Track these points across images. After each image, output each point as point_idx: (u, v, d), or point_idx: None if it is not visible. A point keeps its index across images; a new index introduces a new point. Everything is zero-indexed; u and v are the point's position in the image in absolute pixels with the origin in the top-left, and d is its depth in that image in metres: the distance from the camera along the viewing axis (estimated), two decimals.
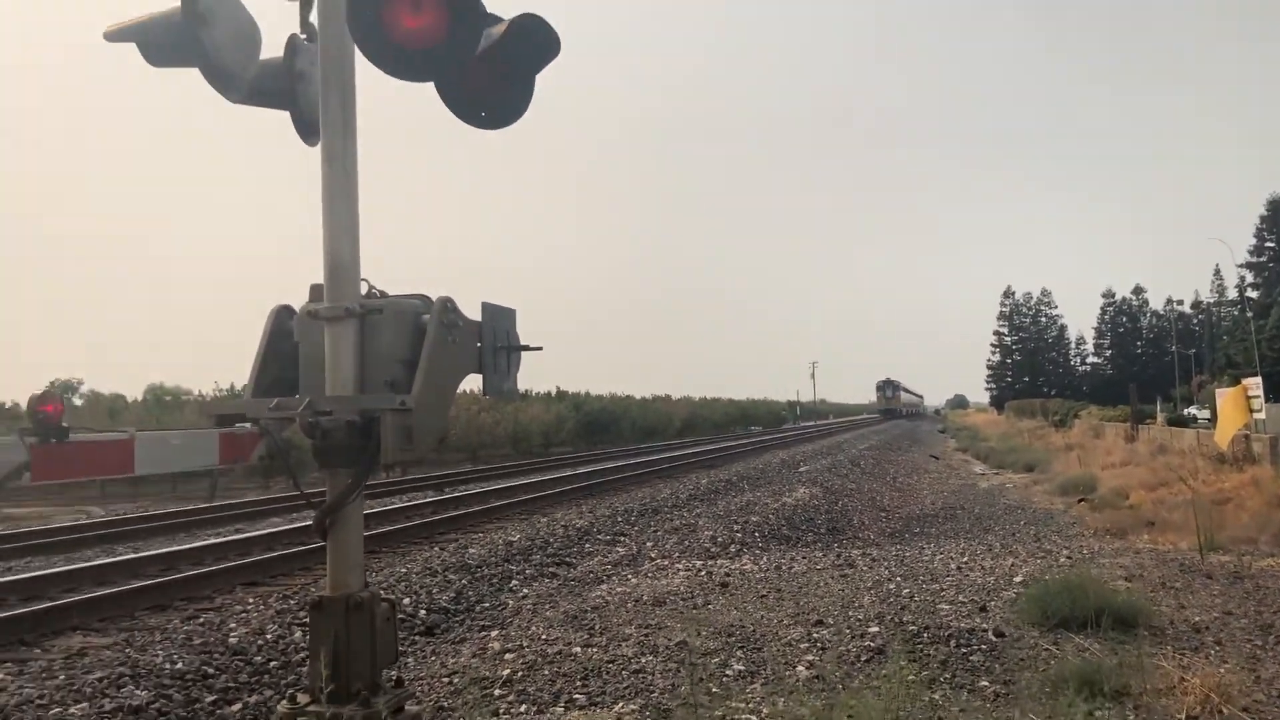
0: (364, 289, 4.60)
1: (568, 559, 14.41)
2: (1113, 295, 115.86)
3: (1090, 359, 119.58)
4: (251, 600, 11.23)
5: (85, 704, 7.29)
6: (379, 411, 4.38)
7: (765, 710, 6.24)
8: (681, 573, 12.36)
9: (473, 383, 4.81)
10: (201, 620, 10.18)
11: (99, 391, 50.12)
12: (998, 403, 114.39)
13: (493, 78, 4.89)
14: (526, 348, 4.98)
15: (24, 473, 3.64)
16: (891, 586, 10.52)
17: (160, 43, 4.69)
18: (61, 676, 7.96)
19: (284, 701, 4.35)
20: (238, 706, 7.52)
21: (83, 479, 3.74)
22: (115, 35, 4.66)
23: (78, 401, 51.27)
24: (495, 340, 4.80)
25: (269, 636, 9.31)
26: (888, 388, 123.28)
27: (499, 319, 4.89)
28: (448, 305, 4.59)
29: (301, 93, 5.04)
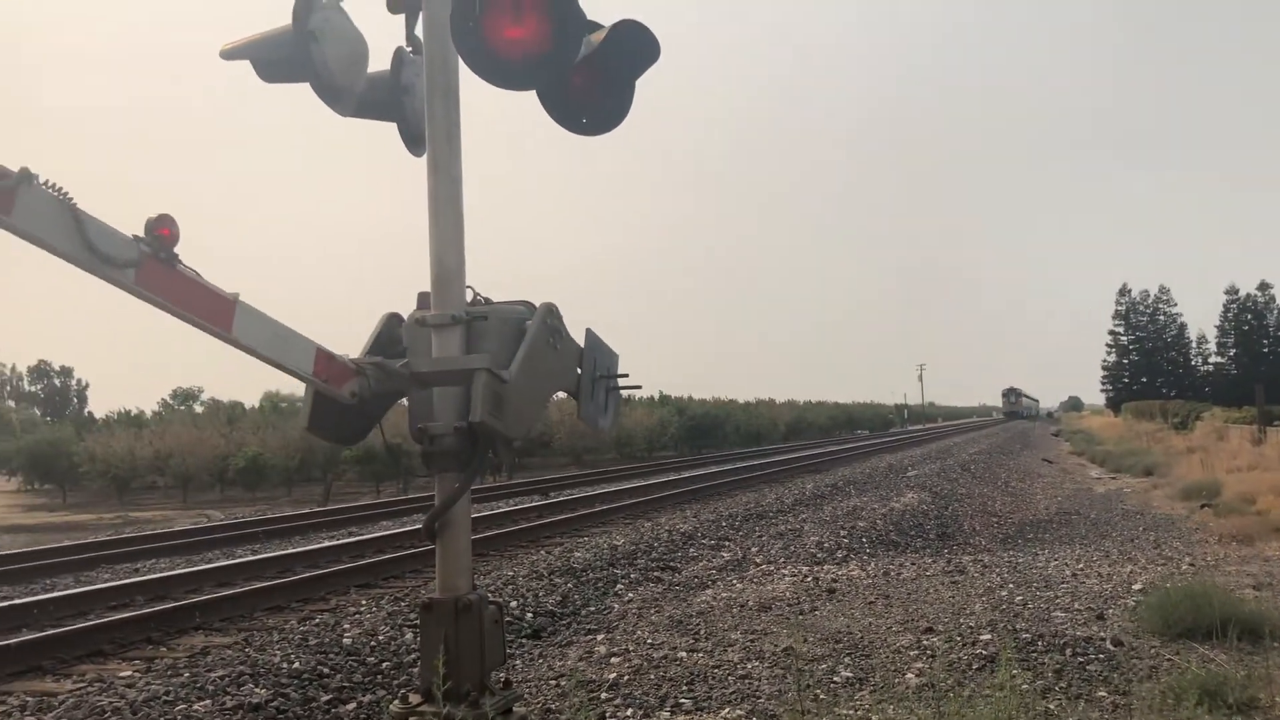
0: (469, 296, 4.67)
1: (672, 563, 14.40)
2: (1236, 292, 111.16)
3: (1213, 358, 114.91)
4: (364, 602, 11.49)
5: (208, 701, 7.54)
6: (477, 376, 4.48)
7: (874, 718, 6.14)
8: (787, 578, 12.26)
9: None
10: (317, 621, 10.45)
11: (218, 399, 52.00)
12: (1114, 404, 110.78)
13: (594, 84, 4.93)
14: (628, 387, 4.98)
15: (133, 269, 3.71)
16: (1004, 593, 10.26)
17: (273, 59, 4.83)
18: (186, 674, 8.25)
19: (396, 701, 4.44)
20: (351, 706, 7.70)
21: (177, 312, 3.82)
22: (231, 54, 4.82)
23: (198, 408, 53.19)
24: (595, 369, 4.82)
25: (381, 638, 9.51)
26: (1011, 394, 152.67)
27: (601, 352, 4.91)
28: (551, 310, 4.64)
29: (408, 104, 5.15)
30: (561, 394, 5.01)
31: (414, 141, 5.15)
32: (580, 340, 4.87)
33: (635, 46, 4.87)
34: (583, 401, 4.80)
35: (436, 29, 4.72)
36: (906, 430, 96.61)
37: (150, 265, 3.80)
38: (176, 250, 3.84)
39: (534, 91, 4.84)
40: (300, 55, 4.72)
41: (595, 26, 4.78)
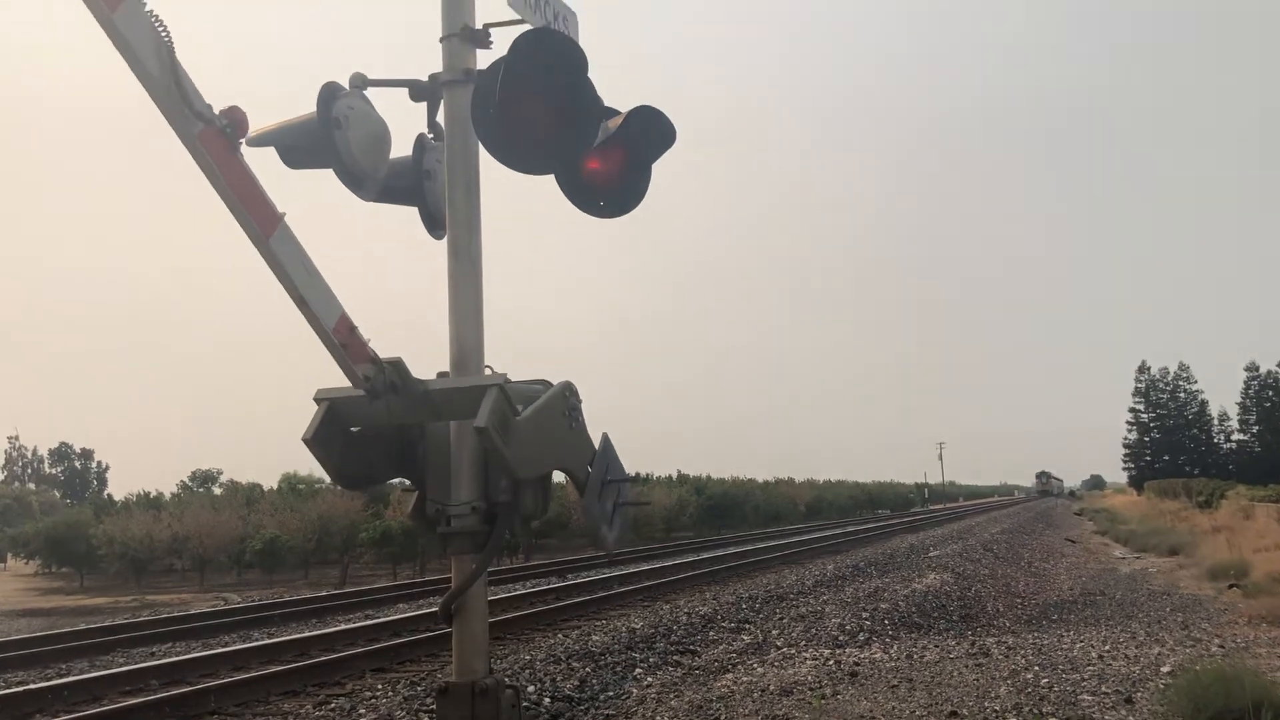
0: (487, 374, 4.71)
1: (692, 647, 14.19)
2: (1257, 369, 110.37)
3: (1235, 436, 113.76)
4: (381, 686, 11.35)
5: None
6: (499, 504, 4.47)
7: None
8: (809, 661, 12.06)
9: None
10: (333, 705, 10.32)
11: (237, 480, 52.02)
12: (1137, 483, 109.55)
13: (611, 168, 5.02)
14: (638, 503, 4.94)
15: (201, 125, 3.91)
16: (1029, 676, 10.06)
17: (297, 146, 4.94)
18: None
19: None
20: None
21: (226, 192, 4.01)
22: (256, 141, 4.94)
23: (217, 490, 53.21)
24: (606, 473, 4.78)
25: None
26: (1042, 476, 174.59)
27: (613, 461, 4.86)
28: (570, 388, 4.66)
29: (429, 189, 5.25)
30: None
31: (435, 224, 5.25)
32: (596, 440, 4.85)
33: (652, 132, 4.97)
34: (588, 499, 4.71)
35: (457, 116, 4.84)
36: (927, 509, 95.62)
37: (215, 134, 3.93)
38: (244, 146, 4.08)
39: (552, 175, 4.94)
40: (324, 142, 4.83)
41: (612, 113, 4.89)
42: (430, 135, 5.26)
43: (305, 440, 4.49)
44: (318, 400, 4.57)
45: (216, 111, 3.99)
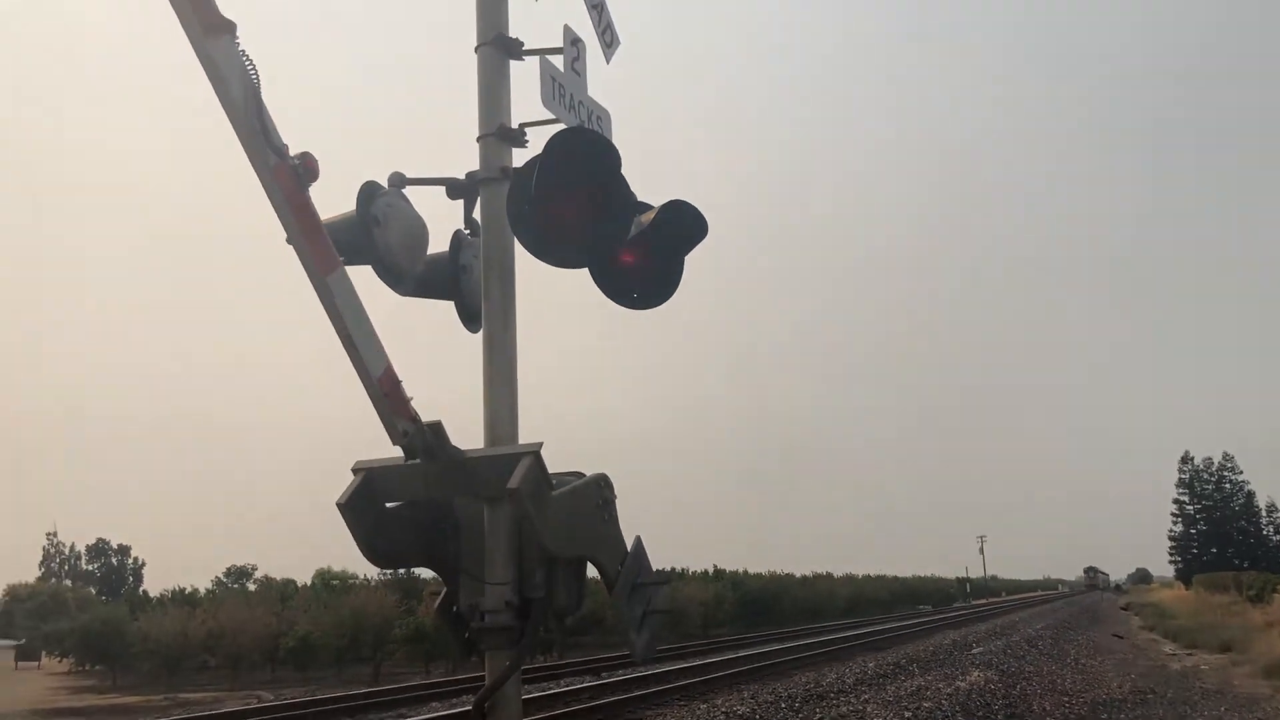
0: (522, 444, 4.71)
1: None
2: None
3: None
4: None
5: None
6: (533, 599, 4.42)
7: None
8: None
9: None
10: None
11: (271, 576, 51.95)
12: (1184, 576, 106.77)
13: (644, 261, 5.08)
14: (664, 611, 4.86)
15: (276, 160, 4.10)
16: None
17: (337, 243, 5.02)
18: None
19: None
20: None
21: (291, 224, 4.20)
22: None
23: (251, 586, 53.12)
24: (637, 575, 4.69)
25: None
26: (1090, 571, 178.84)
27: (644, 564, 4.77)
28: (604, 479, 4.64)
29: (465, 284, 5.32)
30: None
31: (471, 319, 5.30)
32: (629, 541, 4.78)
33: (684, 225, 5.03)
34: (618, 599, 4.57)
35: (494, 212, 4.93)
36: (969, 604, 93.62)
37: (288, 171, 4.11)
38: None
39: (586, 269, 5.00)
40: (363, 239, 4.92)
41: (645, 207, 4.96)
42: (467, 231, 5.35)
43: (339, 505, 4.50)
44: (355, 470, 4.60)
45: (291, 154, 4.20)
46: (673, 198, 5.02)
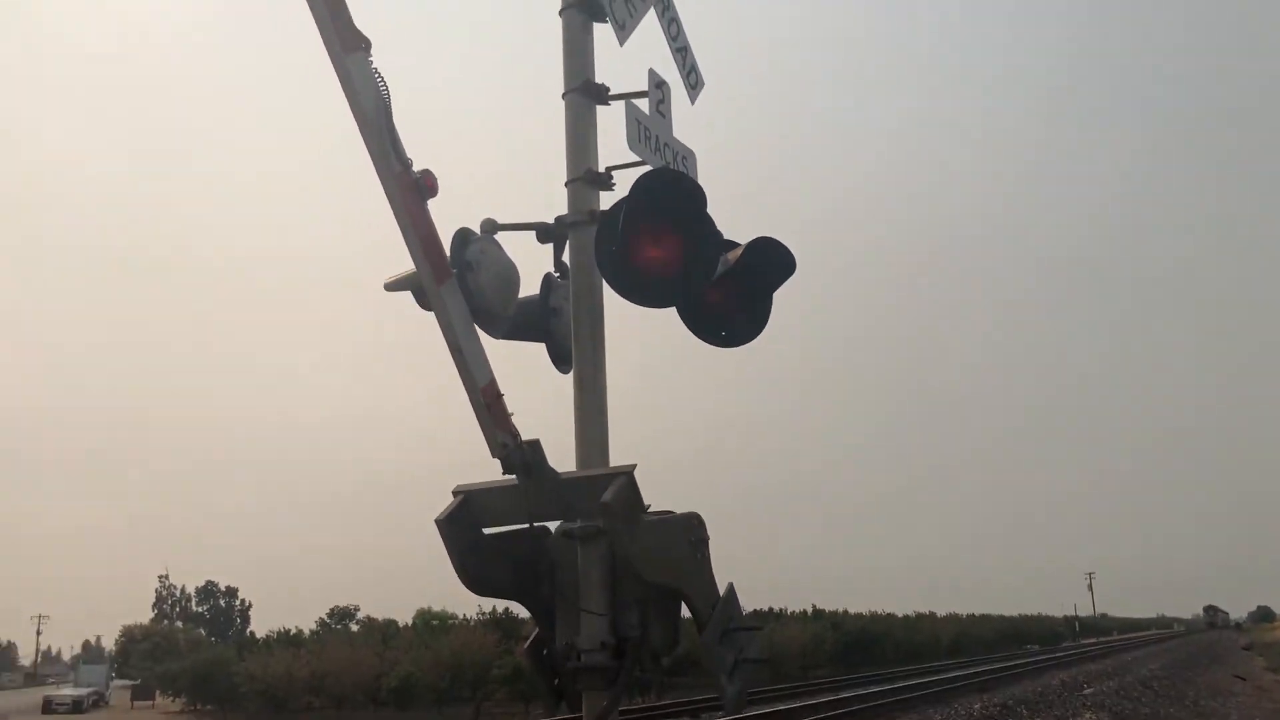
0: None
1: None
2: None
3: None
4: None
5: None
6: (628, 640, 4.42)
7: None
8: None
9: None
10: None
11: (374, 617, 52.67)
12: None
13: (731, 299, 5.10)
14: (760, 660, 4.80)
15: (403, 171, 4.43)
16: None
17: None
18: None
19: None
20: None
21: (408, 229, 4.48)
22: (393, 285, 5.18)
23: (354, 627, 53.95)
24: (730, 621, 4.64)
25: None
26: (1210, 610, 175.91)
27: (735, 610, 4.70)
28: (697, 519, 4.63)
29: (555, 326, 5.40)
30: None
31: (561, 360, 5.37)
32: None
33: (772, 262, 5.04)
34: (708, 643, 4.50)
35: (582, 255, 5.01)
36: (1078, 644, 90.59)
37: (410, 182, 4.44)
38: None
39: (674, 308, 5.03)
40: (458, 284, 5.03)
41: (731, 245, 4.99)
42: (557, 274, 5.42)
43: (437, 522, 4.62)
44: (455, 493, 4.73)
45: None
46: (760, 234, 5.04)
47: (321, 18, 4.26)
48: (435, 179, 4.52)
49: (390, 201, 4.43)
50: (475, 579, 4.75)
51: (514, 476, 4.57)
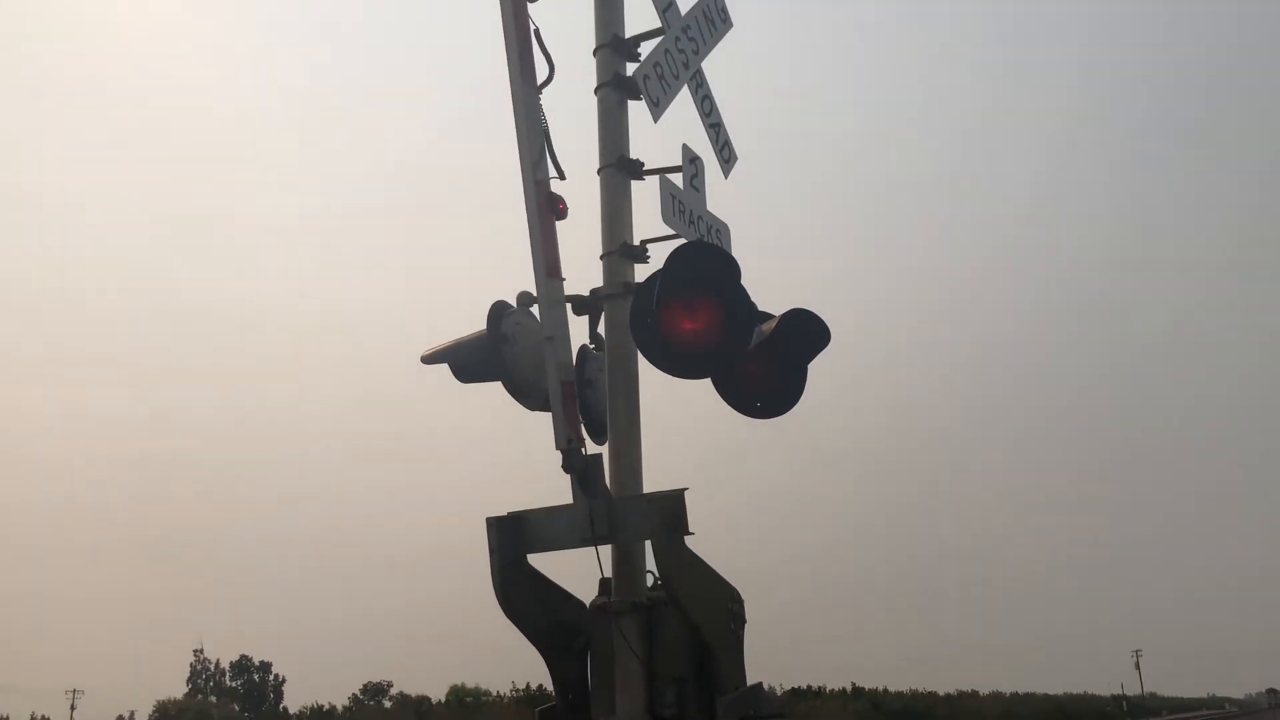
0: (649, 581, 4.71)
1: None
2: None
3: None
4: None
5: None
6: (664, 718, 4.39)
7: None
8: None
9: None
10: None
11: (407, 693, 52.23)
12: None
13: (767, 371, 5.10)
14: None
15: (545, 183, 5.10)
16: None
17: (469, 363, 5.24)
18: None
19: None
20: None
21: (534, 228, 5.03)
22: (430, 359, 5.25)
23: (387, 703, 53.47)
24: (754, 704, 4.57)
25: None
26: (1272, 692, 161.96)
27: (764, 698, 4.65)
28: (735, 595, 4.59)
29: (590, 397, 5.41)
30: None
31: (597, 432, 5.37)
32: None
33: (806, 334, 5.05)
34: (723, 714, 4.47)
35: (617, 327, 5.04)
36: None
37: (546, 194, 5.05)
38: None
39: (709, 380, 5.04)
40: (494, 358, 5.09)
41: (766, 316, 5.01)
42: (592, 346, 5.45)
43: (489, 521, 4.78)
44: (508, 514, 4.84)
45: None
46: (794, 306, 5.06)
47: (511, 52, 5.14)
48: (565, 204, 5.14)
49: (526, 203, 5.01)
50: (511, 603, 4.79)
51: (562, 504, 4.72)
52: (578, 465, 4.66)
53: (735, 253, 5.28)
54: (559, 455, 4.71)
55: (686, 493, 4.48)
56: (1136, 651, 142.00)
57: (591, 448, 4.90)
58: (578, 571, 4.87)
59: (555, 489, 4.80)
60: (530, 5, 5.20)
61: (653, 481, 4.95)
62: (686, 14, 5.74)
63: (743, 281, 4.68)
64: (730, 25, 6.02)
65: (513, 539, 4.75)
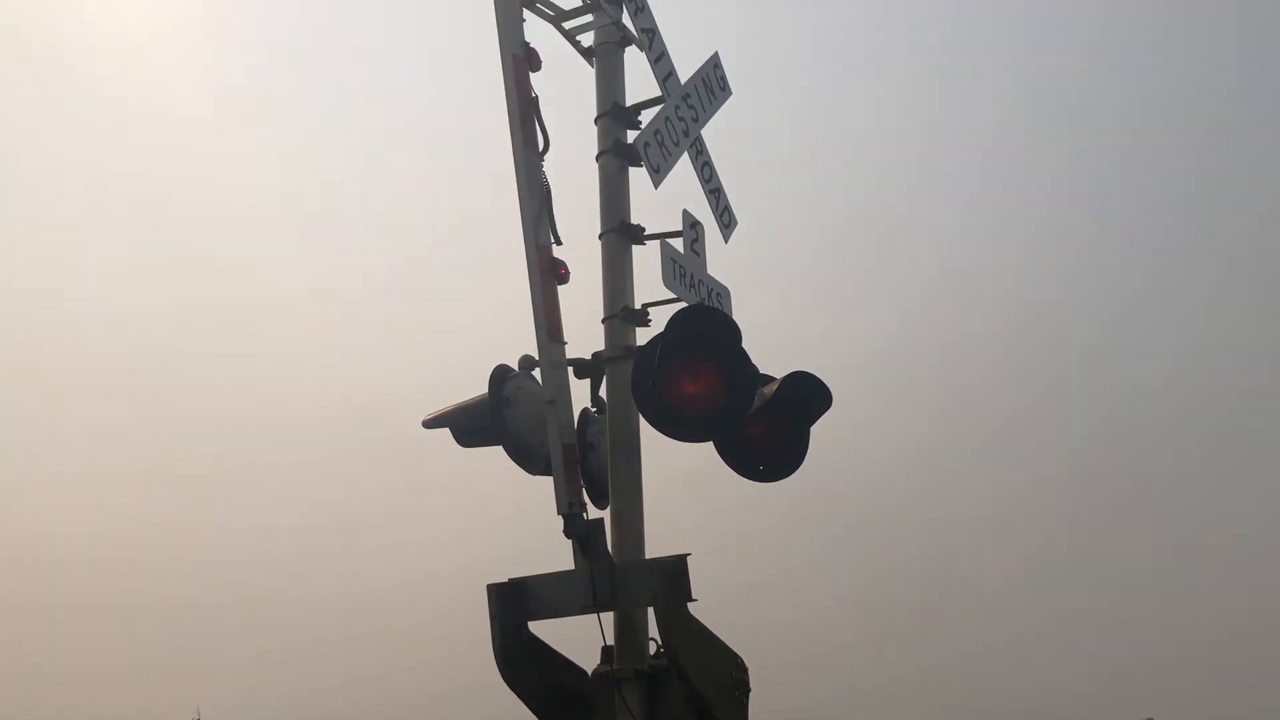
0: (652, 649, 4.67)
1: None
2: None
3: None
4: None
5: None
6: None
7: None
8: None
9: None
10: None
11: None
12: None
13: (769, 433, 5.10)
14: None
15: (547, 248, 5.09)
16: None
17: (470, 426, 5.24)
18: None
19: None
20: None
21: (534, 285, 5.04)
22: (432, 423, 5.25)
23: None
24: None
25: None
26: None
27: None
28: (739, 660, 4.55)
29: (593, 460, 5.40)
30: None
31: (599, 496, 5.35)
32: None
33: (808, 396, 5.05)
34: None
35: (619, 390, 5.05)
36: None
37: (547, 257, 5.03)
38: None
39: (711, 443, 5.03)
40: (495, 420, 5.08)
41: (767, 379, 5.01)
42: (594, 410, 5.45)
43: (489, 588, 4.74)
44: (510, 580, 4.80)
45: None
46: (795, 369, 5.07)
47: (513, 119, 5.16)
48: (567, 269, 5.14)
49: (528, 268, 5.01)
50: (515, 674, 4.73)
51: (563, 570, 4.68)
52: (579, 530, 4.64)
53: (736, 316, 5.29)
54: (560, 520, 4.69)
55: (689, 558, 4.45)
56: None
57: (593, 512, 4.88)
58: (579, 638, 4.82)
59: (556, 554, 4.78)
60: (532, 74, 5.25)
61: (655, 546, 4.92)
62: (686, 82, 5.83)
63: (744, 344, 4.70)
64: (729, 94, 6.11)
65: (514, 606, 4.71)
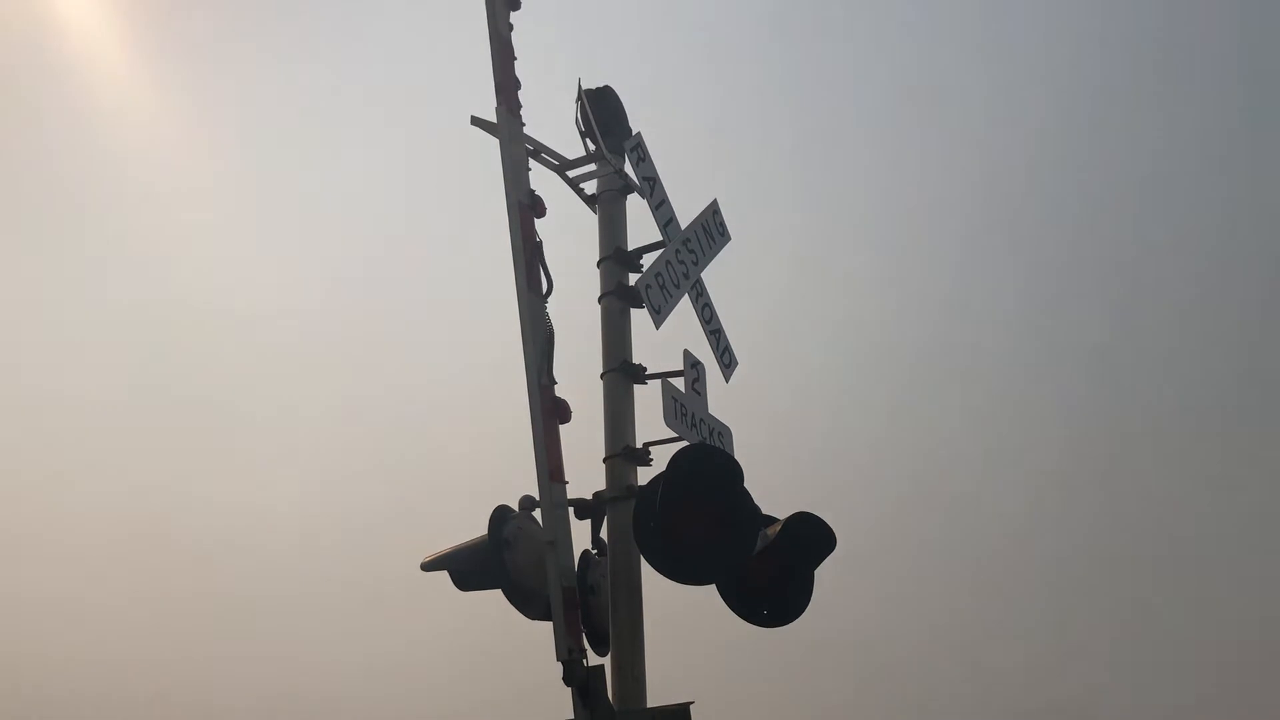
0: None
1: None
2: None
3: None
4: None
5: None
6: None
7: None
8: None
9: None
10: None
11: None
12: None
13: (772, 576, 5.03)
14: None
15: (548, 386, 5.08)
16: None
17: (469, 569, 5.18)
18: None
19: None
20: None
21: (534, 414, 5.00)
22: (430, 565, 5.20)
23: None
24: None
25: None
26: None
27: None
28: None
29: (594, 604, 5.30)
30: None
31: (599, 642, 5.23)
32: None
33: (811, 538, 5.01)
34: None
35: (620, 531, 5.01)
36: None
37: (551, 397, 5.03)
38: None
39: (713, 585, 4.96)
40: (494, 563, 5.02)
41: (770, 520, 4.98)
42: (594, 551, 5.38)
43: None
44: None
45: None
46: (799, 509, 5.03)
47: (518, 263, 5.21)
48: (570, 409, 5.13)
49: (530, 409, 4.98)
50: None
51: (564, 719, 4.56)
52: (579, 678, 4.53)
53: (738, 455, 5.29)
54: (559, 666, 4.59)
55: (692, 706, 4.36)
56: None
57: (593, 658, 4.77)
58: None
59: (555, 703, 4.67)
60: (537, 220, 5.37)
61: (657, 694, 4.81)
62: (687, 228, 5.96)
63: (746, 484, 4.68)
64: (729, 239, 6.24)
65: None
